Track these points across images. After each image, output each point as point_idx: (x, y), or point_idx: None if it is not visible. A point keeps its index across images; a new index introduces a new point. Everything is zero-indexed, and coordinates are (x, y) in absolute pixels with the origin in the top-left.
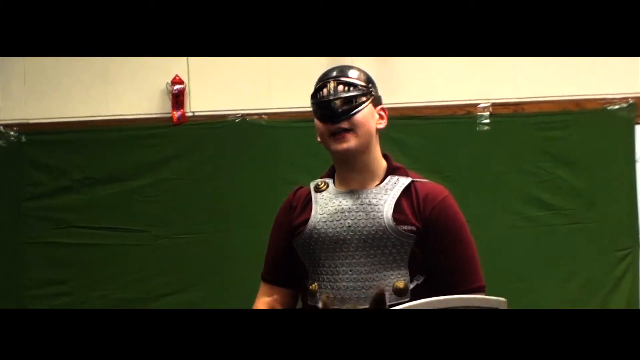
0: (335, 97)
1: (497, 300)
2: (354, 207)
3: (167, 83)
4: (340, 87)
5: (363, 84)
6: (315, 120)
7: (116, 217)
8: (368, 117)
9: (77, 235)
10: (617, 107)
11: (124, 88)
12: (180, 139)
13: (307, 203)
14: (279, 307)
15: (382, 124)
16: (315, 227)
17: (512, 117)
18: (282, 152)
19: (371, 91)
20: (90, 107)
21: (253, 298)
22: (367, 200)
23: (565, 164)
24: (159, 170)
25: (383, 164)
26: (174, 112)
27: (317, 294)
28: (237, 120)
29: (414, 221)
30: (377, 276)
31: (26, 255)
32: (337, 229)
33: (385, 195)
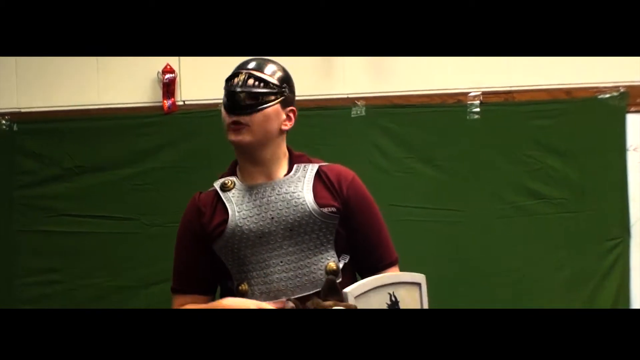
0: (242, 89)
1: (421, 276)
2: (272, 198)
3: (158, 72)
4: (251, 81)
5: (276, 82)
6: (222, 108)
7: (107, 206)
8: (271, 116)
9: (68, 223)
10: (608, 95)
11: (115, 77)
12: (171, 128)
13: (217, 204)
14: None
15: (288, 125)
16: (237, 225)
17: (502, 105)
18: None
19: (283, 91)
20: (81, 96)
21: None
22: (283, 190)
23: (556, 153)
24: (150, 158)
25: (286, 155)
26: (165, 101)
27: (248, 293)
28: None
29: (333, 202)
30: (308, 262)
31: (17, 244)
32: (261, 223)
33: (300, 183)
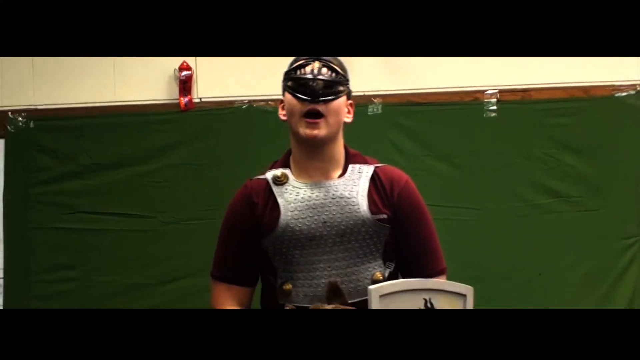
0: (319, 77)
1: (466, 287)
2: (326, 201)
3: (175, 69)
4: (324, 70)
5: (342, 73)
6: (287, 97)
7: (123, 203)
8: (341, 107)
9: (84, 220)
10: (624, 94)
11: (131, 74)
12: (187, 125)
13: (269, 198)
14: (244, 306)
15: (350, 118)
16: (288, 225)
17: (519, 103)
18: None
19: (348, 82)
20: (98, 93)
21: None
22: (338, 193)
23: (572, 151)
24: (166, 156)
25: (343, 153)
26: (181, 98)
27: (292, 293)
28: (243, 107)
29: (385, 210)
30: (355, 270)
31: (33, 241)
32: (312, 226)
33: (355, 187)
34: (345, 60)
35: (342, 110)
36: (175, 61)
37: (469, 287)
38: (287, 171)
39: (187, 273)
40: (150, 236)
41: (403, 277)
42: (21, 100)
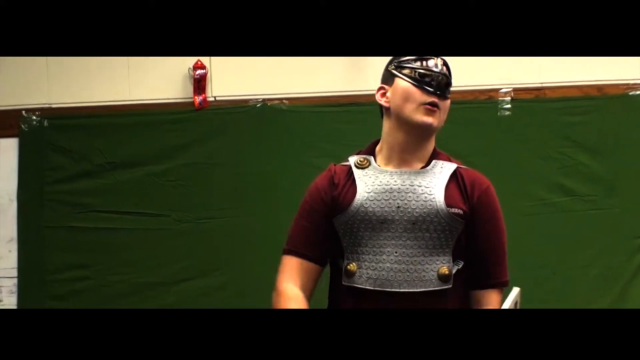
0: (443, 73)
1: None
2: (404, 187)
3: (189, 68)
4: (445, 69)
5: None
6: (403, 84)
7: (137, 202)
8: (448, 108)
9: (98, 219)
10: (639, 92)
11: (146, 73)
12: (201, 124)
13: (349, 180)
14: (310, 283)
15: (444, 121)
16: (362, 205)
17: (533, 102)
18: (303, 137)
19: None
20: (112, 91)
21: (273, 282)
22: (417, 182)
23: (586, 149)
24: (180, 154)
25: (431, 150)
26: (196, 97)
27: (356, 275)
28: (258, 105)
29: (462, 205)
30: (422, 260)
31: (47, 240)
32: (385, 209)
33: (435, 179)
34: (359, 59)
35: (448, 109)
36: (190, 60)
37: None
38: (370, 157)
39: (200, 272)
40: (164, 235)
41: (465, 278)
42: (35, 98)
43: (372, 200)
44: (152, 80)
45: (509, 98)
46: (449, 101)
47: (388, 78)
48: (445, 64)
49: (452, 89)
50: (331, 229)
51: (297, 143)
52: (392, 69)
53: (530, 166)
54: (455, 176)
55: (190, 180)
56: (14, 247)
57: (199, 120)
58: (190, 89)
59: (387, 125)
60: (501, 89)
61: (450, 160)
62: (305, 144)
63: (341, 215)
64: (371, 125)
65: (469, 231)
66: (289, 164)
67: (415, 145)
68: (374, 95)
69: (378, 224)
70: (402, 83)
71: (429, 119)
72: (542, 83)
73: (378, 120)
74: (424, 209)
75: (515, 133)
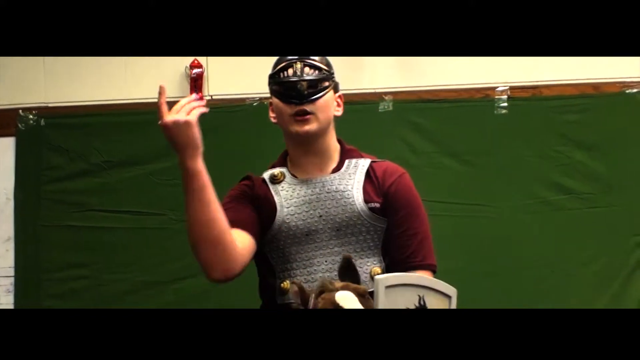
0: (302, 78)
1: (453, 290)
2: (322, 195)
3: (186, 67)
4: (307, 69)
5: (326, 68)
6: (275, 101)
7: (134, 201)
8: (329, 102)
9: (95, 218)
10: (635, 90)
11: (142, 72)
12: (198, 123)
13: (266, 194)
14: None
15: (339, 111)
16: (284, 221)
17: (530, 100)
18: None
19: (333, 77)
20: (109, 90)
21: None
22: (333, 187)
23: (583, 147)
24: None
25: (337, 147)
26: (192, 96)
27: (290, 291)
28: (254, 104)
29: (377, 198)
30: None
31: (44, 239)
32: (308, 220)
33: (351, 180)
34: (354, 59)
35: (330, 105)
36: (186, 59)
37: (454, 289)
38: (284, 170)
39: (198, 271)
40: (161, 234)
41: (387, 263)
42: (32, 97)
43: (292, 214)
44: (149, 79)
45: (506, 96)
46: (325, 97)
47: (270, 94)
48: (307, 64)
49: (448, 87)
50: (259, 219)
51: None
52: (268, 85)
53: (527, 164)
54: (368, 172)
55: None
56: (11, 246)
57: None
58: (187, 87)
59: (285, 139)
60: (497, 87)
61: (362, 157)
62: None
63: (266, 236)
64: (365, 125)
65: (388, 223)
66: None
67: (310, 150)
68: (369, 94)
69: (303, 236)
70: (274, 100)
71: (302, 128)
72: (538, 81)
73: (373, 119)
74: (345, 213)
75: (511, 131)
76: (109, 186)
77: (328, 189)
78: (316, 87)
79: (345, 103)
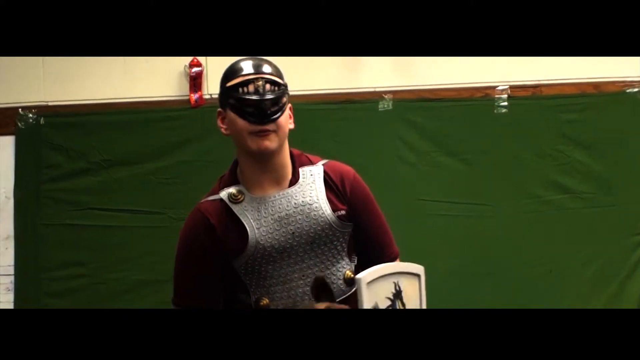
0: (264, 97)
1: (419, 267)
2: (290, 211)
3: (185, 65)
4: (268, 86)
5: (283, 82)
6: (231, 115)
7: (134, 200)
8: (287, 118)
9: (94, 217)
10: (636, 89)
11: (141, 71)
12: (197, 122)
13: (228, 218)
14: None
15: (292, 124)
16: (258, 242)
17: (530, 99)
18: (299, 134)
19: (287, 90)
20: (108, 89)
21: None
22: (300, 201)
23: (583, 146)
24: (176, 152)
25: (289, 158)
26: (192, 95)
27: (272, 308)
28: None
29: (340, 205)
30: (327, 273)
31: (44, 237)
32: (282, 239)
33: (313, 191)
34: (353, 58)
35: (287, 120)
36: (186, 58)
37: (421, 267)
38: (241, 187)
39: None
40: (160, 233)
41: (361, 264)
42: (31, 96)
43: (264, 235)
44: (148, 77)
45: (506, 95)
46: (284, 115)
47: (222, 105)
48: (268, 80)
49: (447, 86)
50: (221, 271)
51: (293, 140)
52: (222, 95)
53: (527, 164)
54: (325, 179)
55: (187, 177)
56: (10, 244)
57: (195, 118)
58: (187, 86)
59: (237, 150)
60: (498, 86)
61: (311, 161)
62: (300, 141)
63: (238, 258)
64: (365, 123)
65: (354, 225)
66: None
67: (268, 166)
68: (368, 93)
69: (278, 255)
70: (230, 114)
71: (264, 144)
72: (538, 80)
73: (372, 118)
74: (317, 226)
75: (511, 130)
76: (108, 185)
77: (295, 203)
78: (277, 104)
79: (344, 102)
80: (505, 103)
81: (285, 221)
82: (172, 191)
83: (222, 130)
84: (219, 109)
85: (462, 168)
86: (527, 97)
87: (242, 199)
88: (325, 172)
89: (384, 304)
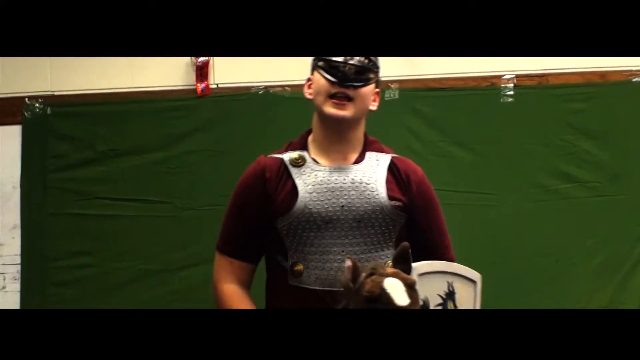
0: (351, 62)
1: (477, 275)
2: (346, 185)
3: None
4: (357, 58)
5: (375, 61)
6: (316, 76)
7: (140, 189)
8: (369, 94)
9: (101, 206)
10: None
11: (148, 60)
12: (204, 111)
13: (283, 177)
14: (244, 286)
15: (375, 106)
16: (306, 207)
17: (536, 88)
18: (306, 124)
19: (378, 71)
20: (115, 79)
21: None
22: (357, 178)
23: (589, 136)
24: (183, 142)
25: (362, 139)
26: (198, 84)
27: (304, 275)
28: (260, 92)
29: (401, 197)
30: (369, 256)
31: (50, 227)
32: (330, 209)
33: (375, 174)
34: None
35: (369, 97)
36: None
37: (479, 274)
38: (304, 153)
39: (204, 259)
40: (167, 222)
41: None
42: (38, 86)
43: (315, 200)
44: (155, 67)
45: (512, 85)
46: (367, 88)
47: (312, 69)
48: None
49: (454, 75)
50: (266, 226)
51: (299, 130)
52: (313, 59)
53: (533, 153)
54: (391, 168)
55: (193, 167)
56: (17, 234)
57: (202, 108)
58: (193, 76)
59: (314, 117)
60: (504, 75)
61: (383, 150)
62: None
63: (283, 217)
64: (374, 113)
65: (411, 222)
66: None
67: (339, 137)
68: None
69: (323, 224)
70: (316, 75)
71: (337, 112)
72: (544, 70)
73: (381, 107)
74: (368, 206)
75: (517, 120)
76: (114, 174)
77: (352, 179)
78: (362, 74)
79: None
80: (512, 92)
81: (338, 193)
82: (178, 181)
83: (307, 95)
84: (309, 76)
85: (468, 157)
86: (533, 86)
87: (302, 163)
88: (392, 162)
89: (434, 301)
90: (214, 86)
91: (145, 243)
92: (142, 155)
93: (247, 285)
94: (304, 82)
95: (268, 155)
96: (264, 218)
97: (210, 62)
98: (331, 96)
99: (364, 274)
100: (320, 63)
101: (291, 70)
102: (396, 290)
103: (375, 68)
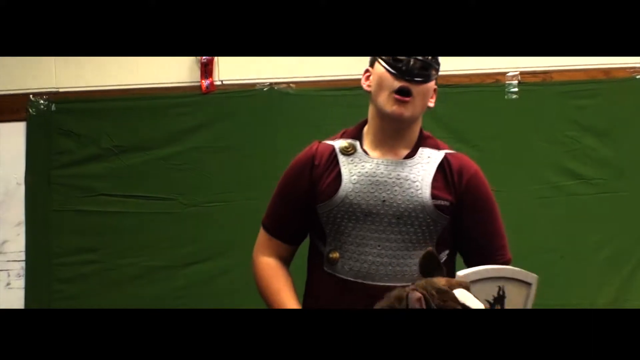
0: (419, 58)
1: (533, 276)
2: (390, 180)
3: None
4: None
5: (436, 58)
6: (379, 69)
7: (145, 185)
8: (430, 91)
9: (106, 203)
10: None
11: (153, 57)
12: (208, 108)
13: (332, 164)
14: (283, 261)
15: (432, 103)
16: (347, 197)
17: (540, 85)
18: (310, 121)
19: (439, 67)
20: (119, 75)
21: None
22: (403, 174)
23: (594, 133)
24: (187, 138)
25: (417, 134)
26: (203, 81)
27: (338, 264)
28: (265, 89)
29: (448, 196)
30: (405, 254)
31: (55, 223)
32: (371, 202)
33: (423, 171)
34: None
35: (429, 94)
36: None
37: (535, 275)
38: (355, 143)
39: (208, 255)
40: (171, 219)
41: (468, 266)
42: (43, 82)
43: (357, 192)
44: (160, 64)
45: (516, 81)
46: (429, 84)
47: (372, 61)
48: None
49: (458, 72)
50: (309, 211)
51: (304, 127)
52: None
53: (538, 150)
54: (442, 164)
55: (198, 163)
56: (21, 230)
57: (206, 104)
58: (198, 72)
59: (370, 110)
60: (508, 72)
61: (438, 146)
62: (312, 128)
63: (324, 204)
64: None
65: (456, 221)
66: (295, 148)
67: (395, 132)
68: None
69: (362, 216)
70: (378, 67)
71: (398, 110)
72: (549, 66)
73: None
74: (409, 204)
75: (522, 117)
76: (119, 171)
77: (397, 174)
78: (426, 70)
79: (354, 88)
80: (516, 89)
81: (382, 187)
82: (183, 177)
83: (365, 87)
84: (367, 68)
85: (473, 153)
86: (537, 83)
87: (352, 152)
88: (446, 158)
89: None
90: (219, 83)
91: (150, 239)
92: (146, 152)
93: (285, 260)
94: (308, 79)
95: (322, 141)
96: (307, 203)
97: (215, 59)
98: (395, 91)
99: (435, 297)
100: (384, 57)
101: (296, 68)
102: (471, 300)
103: (437, 65)
